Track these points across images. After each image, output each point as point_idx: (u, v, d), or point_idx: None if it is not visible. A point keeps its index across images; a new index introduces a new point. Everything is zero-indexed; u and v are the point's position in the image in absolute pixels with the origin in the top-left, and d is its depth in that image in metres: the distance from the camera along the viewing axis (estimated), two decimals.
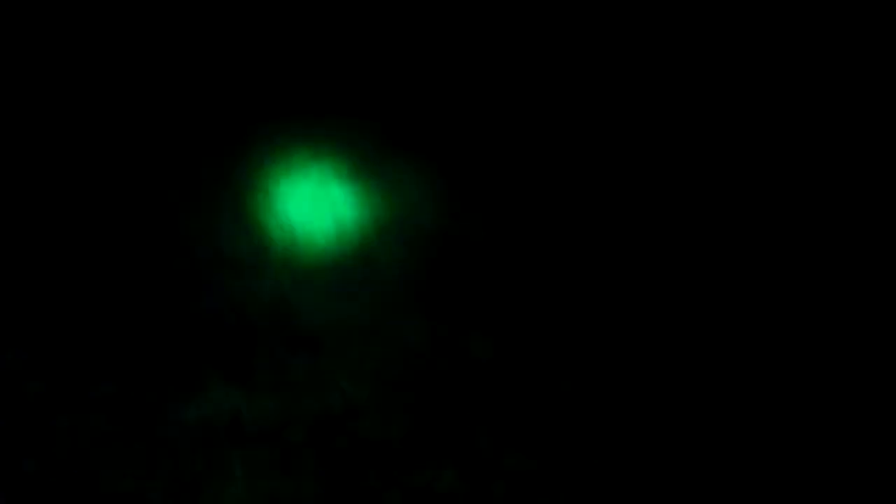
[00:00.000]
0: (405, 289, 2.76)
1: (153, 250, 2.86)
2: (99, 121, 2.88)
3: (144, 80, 2.88)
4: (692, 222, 2.81)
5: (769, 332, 2.60)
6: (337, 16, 2.78)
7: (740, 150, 2.76)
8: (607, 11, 2.72)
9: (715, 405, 2.49)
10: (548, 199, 2.85)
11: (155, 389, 2.56)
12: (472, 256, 2.85)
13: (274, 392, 2.56)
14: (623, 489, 2.39)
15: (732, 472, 2.40)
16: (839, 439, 2.41)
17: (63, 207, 2.82)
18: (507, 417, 2.50)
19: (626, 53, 2.80)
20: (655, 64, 2.79)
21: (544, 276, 2.74)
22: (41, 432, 2.44)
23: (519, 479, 2.40)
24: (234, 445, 2.45)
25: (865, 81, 2.75)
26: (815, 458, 2.39)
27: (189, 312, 2.72)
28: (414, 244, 2.89)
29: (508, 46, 2.81)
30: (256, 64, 2.82)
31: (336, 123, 2.81)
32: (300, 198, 2.83)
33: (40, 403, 2.50)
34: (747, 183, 2.72)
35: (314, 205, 2.82)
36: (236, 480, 2.39)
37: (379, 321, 2.70)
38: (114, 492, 2.36)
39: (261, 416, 2.52)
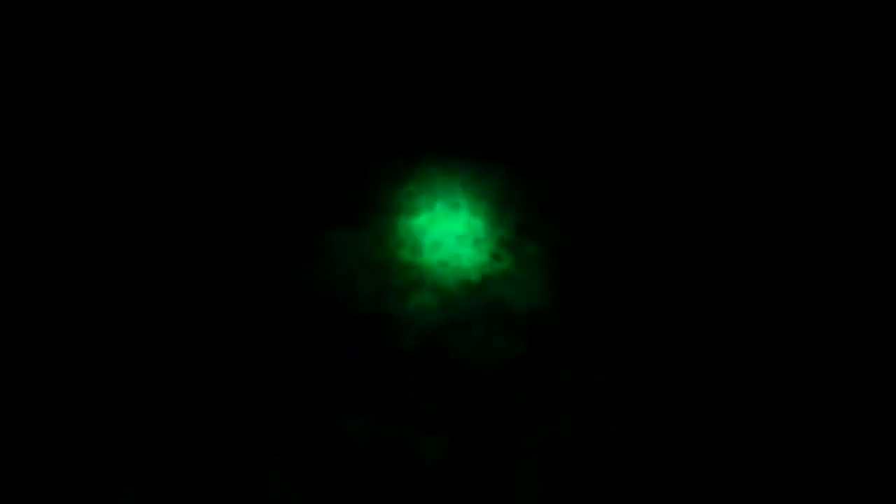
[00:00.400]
0: (350, 380, 2.50)
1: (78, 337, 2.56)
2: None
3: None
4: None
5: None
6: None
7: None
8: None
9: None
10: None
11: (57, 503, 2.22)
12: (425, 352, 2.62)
13: None
14: None
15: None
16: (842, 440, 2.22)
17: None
18: None
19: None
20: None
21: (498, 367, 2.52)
22: None
23: None
24: None
25: (865, 82, 2.68)
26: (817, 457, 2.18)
27: (98, 415, 2.40)
28: (353, 327, 2.65)
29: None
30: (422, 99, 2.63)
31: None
32: None
33: None
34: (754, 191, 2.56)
35: None
36: None
37: (317, 418, 2.42)
38: None
39: None
